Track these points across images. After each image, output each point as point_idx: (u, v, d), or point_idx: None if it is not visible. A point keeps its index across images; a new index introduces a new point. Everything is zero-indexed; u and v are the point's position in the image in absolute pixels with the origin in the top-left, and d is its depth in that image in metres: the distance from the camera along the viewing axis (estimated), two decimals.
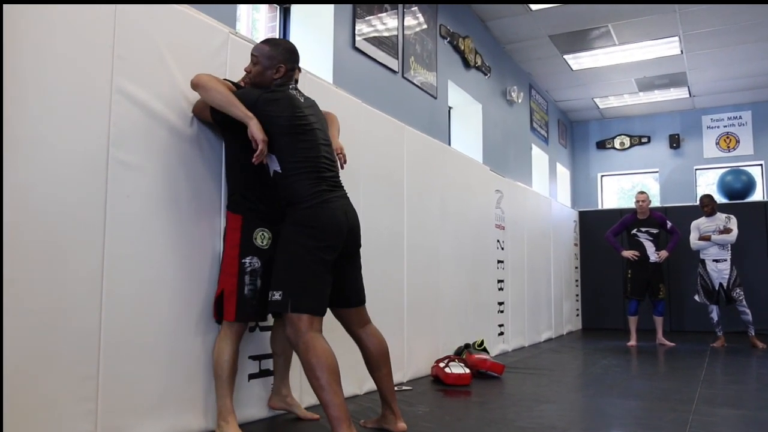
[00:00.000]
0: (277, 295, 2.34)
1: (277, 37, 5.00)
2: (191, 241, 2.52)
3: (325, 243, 2.39)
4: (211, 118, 2.49)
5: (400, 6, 5.87)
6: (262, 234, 2.52)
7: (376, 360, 2.62)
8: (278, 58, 2.52)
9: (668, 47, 8.33)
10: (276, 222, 2.55)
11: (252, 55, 2.58)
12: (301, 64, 2.82)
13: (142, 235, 2.31)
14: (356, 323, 2.63)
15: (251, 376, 2.74)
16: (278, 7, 5.04)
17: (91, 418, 2.07)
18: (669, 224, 6.69)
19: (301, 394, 2.95)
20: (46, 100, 2.00)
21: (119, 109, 2.23)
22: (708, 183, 10.87)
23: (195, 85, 2.43)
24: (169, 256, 2.42)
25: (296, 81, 2.63)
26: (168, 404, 2.36)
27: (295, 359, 2.77)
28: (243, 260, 2.47)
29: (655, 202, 10.22)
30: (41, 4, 1.99)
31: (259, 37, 4.95)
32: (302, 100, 2.53)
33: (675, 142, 10.96)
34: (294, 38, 5.04)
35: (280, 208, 2.53)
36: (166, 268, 2.40)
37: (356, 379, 3.31)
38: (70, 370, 2.02)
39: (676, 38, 8.01)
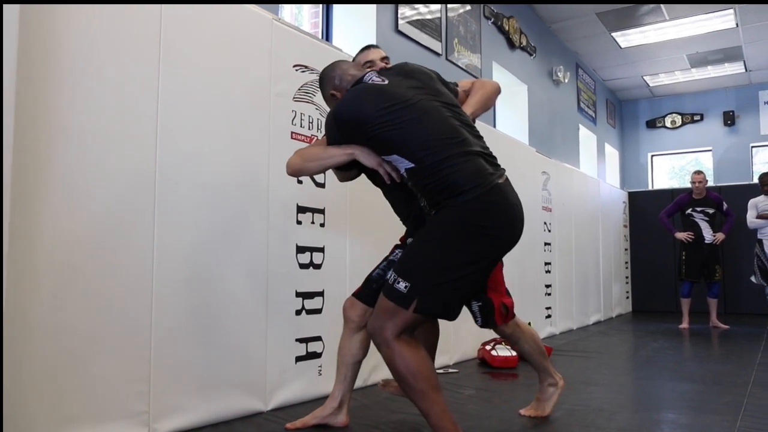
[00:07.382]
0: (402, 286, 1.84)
1: (320, 22, 5.02)
2: (240, 228, 2.57)
3: (493, 256, 1.95)
4: (348, 178, 2.36)
5: None
6: None
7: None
8: (326, 92, 2.25)
9: (722, 21, 8.01)
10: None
11: None
12: (344, 49, 2.81)
13: (191, 222, 2.36)
14: None
15: (298, 359, 2.79)
16: None
17: (144, 398, 2.15)
18: (725, 206, 6.48)
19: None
20: (95, 91, 2.06)
21: (166, 97, 2.28)
22: (765, 161, 10.47)
23: (295, 173, 2.18)
24: (218, 243, 2.47)
25: (371, 63, 2.36)
26: (218, 386, 2.43)
27: None
28: None
29: (710, 182, 9.91)
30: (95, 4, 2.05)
31: (303, 24, 4.98)
32: (381, 81, 2.05)
33: (729, 119, 10.59)
34: (337, 23, 5.05)
35: (425, 209, 2.04)
36: (215, 254, 2.45)
37: None
38: (123, 352, 2.10)
39: (731, 11, 7.70)
